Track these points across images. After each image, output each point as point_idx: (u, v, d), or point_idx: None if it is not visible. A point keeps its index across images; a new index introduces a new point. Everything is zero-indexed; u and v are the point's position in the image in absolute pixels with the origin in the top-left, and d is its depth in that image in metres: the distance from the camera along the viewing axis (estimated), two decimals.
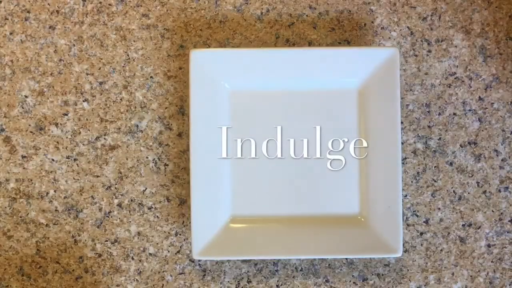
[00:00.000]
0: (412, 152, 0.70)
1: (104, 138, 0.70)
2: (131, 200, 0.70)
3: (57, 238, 0.70)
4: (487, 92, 0.70)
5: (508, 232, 0.70)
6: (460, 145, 0.70)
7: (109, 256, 0.70)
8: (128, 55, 0.70)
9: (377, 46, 0.70)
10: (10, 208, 0.70)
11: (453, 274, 0.70)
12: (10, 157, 0.70)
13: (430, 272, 0.70)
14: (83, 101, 0.70)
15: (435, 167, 0.70)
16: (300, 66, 0.67)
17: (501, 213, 0.70)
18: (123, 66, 0.70)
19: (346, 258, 0.69)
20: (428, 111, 0.70)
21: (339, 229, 0.67)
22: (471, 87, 0.70)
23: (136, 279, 0.70)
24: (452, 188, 0.70)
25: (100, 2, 0.70)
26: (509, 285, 0.69)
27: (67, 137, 0.70)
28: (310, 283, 0.69)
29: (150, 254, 0.70)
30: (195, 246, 0.66)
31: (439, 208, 0.70)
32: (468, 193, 0.70)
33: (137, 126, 0.70)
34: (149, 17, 0.70)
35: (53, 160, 0.70)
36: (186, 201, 0.70)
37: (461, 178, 0.70)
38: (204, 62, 0.67)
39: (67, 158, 0.70)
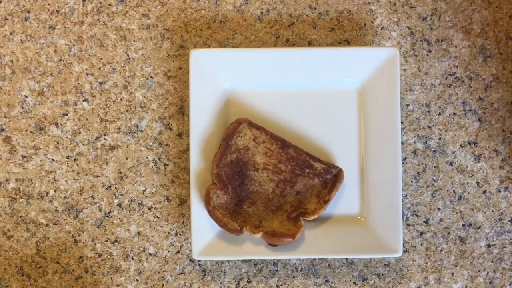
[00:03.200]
0: (412, 152, 0.70)
1: (104, 138, 0.70)
2: (131, 200, 0.70)
3: (57, 238, 0.70)
4: (487, 92, 0.70)
5: (508, 232, 0.70)
6: (460, 145, 0.70)
7: (109, 256, 0.70)
8: (128, 55, 0.70)
9: (377, 46, 0.70)
10: (10, 208, 0.70)
11: (453, 274, 0.70)
12: (10, 157, 0.70)
13: (430, 272, 0.70)
14: (83, 101, 0.70)
15: (435, 167, 0.70)
16: (300, 66, 0.67)
17: (501, 213, 0.70)
18: (123, 66, 0.70)
19: (346, 258, 0.69)
20: (428, 111, 0.70)
21: (339, 229, 0.67)
22: (471, 87, 0.70)
23: (136, 279, 0.70)
24: (452, 188, 0.70)
25: (100, 2, 0.70)
26: (509, 285, 0.69)
27: (67, 137, 0.70)
28: (310, 283, 0.69)
29: (150, 254, 0.70)
30: (195, 246, 0.66)
31: (439, 208, 0.70)
32: (468, 193, 0.70)
33: (137, 126, 0.70)
34: (149, 17, 0.70)
35: (53, 160, 0.70)
36: (186, 201, 0.70)
37: (461, 178, 0.70)
38: (204, 62, 0.67)
39: (67, 158, 0.70)
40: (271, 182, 0.67)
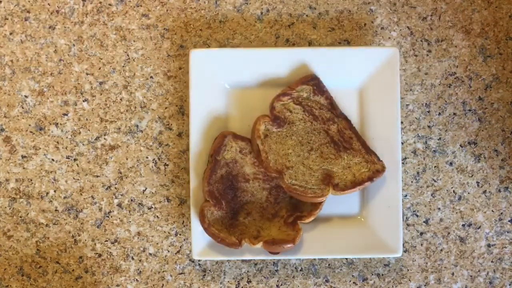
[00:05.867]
0: (412, 152, 0.70)
1: (104, 138, 0.70)
2: (131, 200, 0.70)
3: (57, 238, 0.70)
4: (487, 92, 0.70)
5: (508, 232, 0.70)
6: (460, 145, 0.70)
7: (109, 256, 0.70)
8: (128, 55, 0.70)
9: (377, 46, 0.70)
10: (10, 208, 0.70)
11: (453, 274, 0.70)
12: (10, 157, 0.70)
13: (430, 272, 0.70)
14: (83, 101, 0.70)
15: (435, 167, 0.70)
16: (300, 66, 0.67)
17: (501, 213, 0.70)
18: (123, 66, 0.70)
19: (346, 258, 0.69)
20: (428, 111, 0.70)
21: (339, 229, 0.67)
22: (471, 87, 0.70)
23: (136, 279, 0.70)
24: (452, 188, 0.70)
25: (100, 2, 0.70)
26: (509, 285, 0.69)
27: (67, 137, 0.70)
28: (310, 283, 0.69)
29: (150, 254, 0.70)
30: (195, 246, 0.66)
31: (439, 208, 0.70)
32: (468, 193, 0.70)
33: (137, 126, 0.70)
34: (149, 17, 0.70)
35: (53, 160, 0.70)
36: (186, 201, 0.70)
37: (461, 178, 0.70)
38: (204, 62, 0.67)
39: (67, 158, 0.70)
40: (263, 191, 0.67)
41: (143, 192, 0.70)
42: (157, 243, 0.70)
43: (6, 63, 0.70)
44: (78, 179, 0.70)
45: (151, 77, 0.70)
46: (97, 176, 0.70)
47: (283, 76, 0.67)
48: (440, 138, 0.70)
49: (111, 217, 0.70)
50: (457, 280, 0.69)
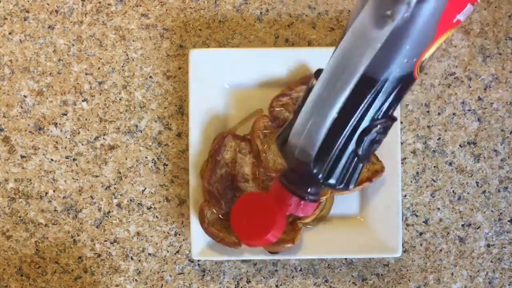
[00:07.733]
0: (411, 152, 0.70)
1: (103, 138, 0.70)
2: (130, 200, 0.70)
3: (56, 238, 0.70)
4: (486, 92, 0.70)
5: (507, 232, 0.70)
6: (460, 145, 0.70)
7: (108, 256, 0.70)
8: (127, 55, 0.70)
9: None
10: (9, 208, 0.70)
11: (452, 274, 0.70)
12: (9, 157, 0.70)
13: (429, 272, 0.70)
14: (82, 101, 0.70)
15: (434, 167, 0.70)
16: (299, 66, 0.67)
17: (501, 213, 0.70)
18: (122, 66, 0.70)
19: (346, 258, 0.69)
20: (428, 111, 0.70)
21: (339, 229, 0.67)
22: (470, 87, 0.70)
23: (135, 279, 0.70)
24: (451, 188, 0.70)
25: (99, 2, 0.70)
26: (509, 285, 0.69)
27: (66, 137, 0.70)
28: (309, 283, 0.69)
29: (149, 254, 0.70)
30: (195, 246, 0.66)
31: (438, 208, 0.70)
32: (468, 193, 0.70)
33: (136, 126, 0.70)
34: (148, 17, 0.70)
35: (52, 160, 0.70)
36: (185, 201, 0.70)
37: (460, 178, 0.70)
38: (203, 62, 0.67)
39: (66, 158, 0.70)
40: (263, 191, 0.66)
41: (143, 192, 0.70)
42: (157, 243, 0.70)
43: (5, 63, 0.70)
44: (77, 179, 0.70)
45: (151, 77, 0.70)
46: (96, 176, 0.70)
47: (282, 76, 0.67)
48: (439, 138, 0.70)
49: (110, 217, 0.70)
50: (457, 280, 0.69)
